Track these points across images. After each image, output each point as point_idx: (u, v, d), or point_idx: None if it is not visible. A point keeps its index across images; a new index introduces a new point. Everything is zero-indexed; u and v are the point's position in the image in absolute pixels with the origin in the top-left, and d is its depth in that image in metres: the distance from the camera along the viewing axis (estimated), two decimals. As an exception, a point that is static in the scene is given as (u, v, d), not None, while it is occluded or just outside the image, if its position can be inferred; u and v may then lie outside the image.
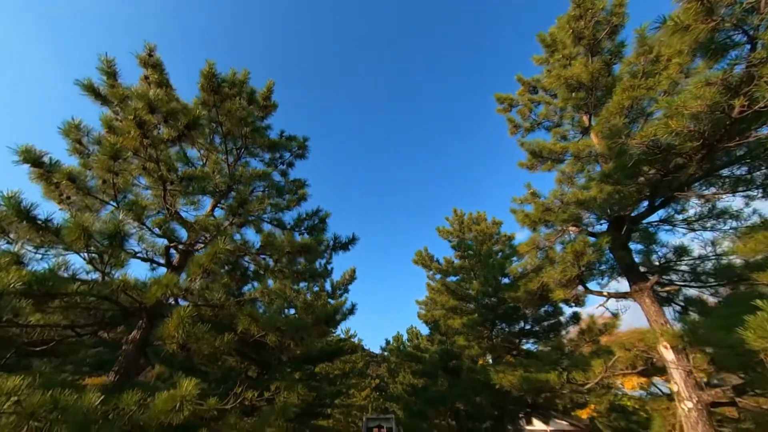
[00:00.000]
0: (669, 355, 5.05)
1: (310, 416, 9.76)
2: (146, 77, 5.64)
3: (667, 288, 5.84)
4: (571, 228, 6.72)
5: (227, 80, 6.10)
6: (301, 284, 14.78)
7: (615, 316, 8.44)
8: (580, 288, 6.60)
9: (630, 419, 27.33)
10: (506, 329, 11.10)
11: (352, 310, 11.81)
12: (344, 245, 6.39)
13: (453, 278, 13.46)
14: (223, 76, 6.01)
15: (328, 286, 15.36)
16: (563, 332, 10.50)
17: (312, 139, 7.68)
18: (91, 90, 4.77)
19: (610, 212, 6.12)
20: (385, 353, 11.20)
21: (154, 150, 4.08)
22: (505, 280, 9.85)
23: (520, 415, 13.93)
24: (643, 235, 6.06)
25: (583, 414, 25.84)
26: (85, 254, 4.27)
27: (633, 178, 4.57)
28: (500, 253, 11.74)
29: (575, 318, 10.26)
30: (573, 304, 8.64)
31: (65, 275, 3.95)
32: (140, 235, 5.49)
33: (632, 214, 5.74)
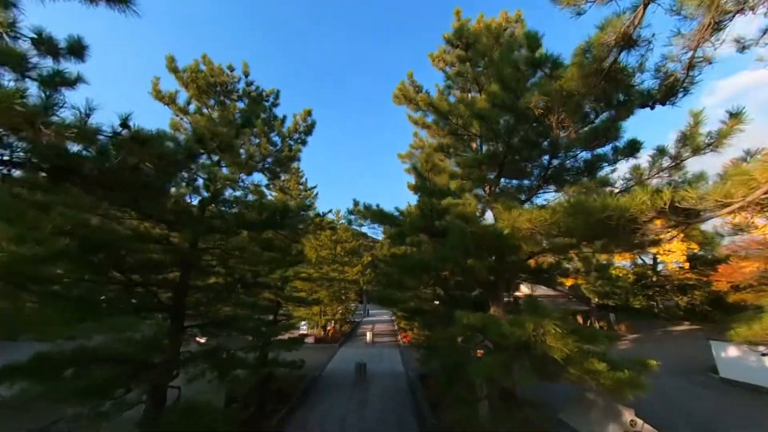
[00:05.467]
0: None
1: (242, 288, 7.25)
2: None
3: None
4: None
5: None
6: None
7: (735, 115, 4.69)
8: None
9: (615, 284, 28.08)
10: (519, 173, 7.66)
11: (293, 155, 8.26)
12: None
13: (445, 121, 9.38)
14: None
15: (277, 139, 11.48)
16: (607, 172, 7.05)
17: None
18: None
19: None
20: (351, 216, 8.16)
21: None
22: (533, 81, 5.77)
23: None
24: None
25: (568, 282, 26.23)
26: None
27: None
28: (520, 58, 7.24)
29: (631, 148, 6.61)
30: (664, 103, 4.74)
31: None
32: None
33: None
